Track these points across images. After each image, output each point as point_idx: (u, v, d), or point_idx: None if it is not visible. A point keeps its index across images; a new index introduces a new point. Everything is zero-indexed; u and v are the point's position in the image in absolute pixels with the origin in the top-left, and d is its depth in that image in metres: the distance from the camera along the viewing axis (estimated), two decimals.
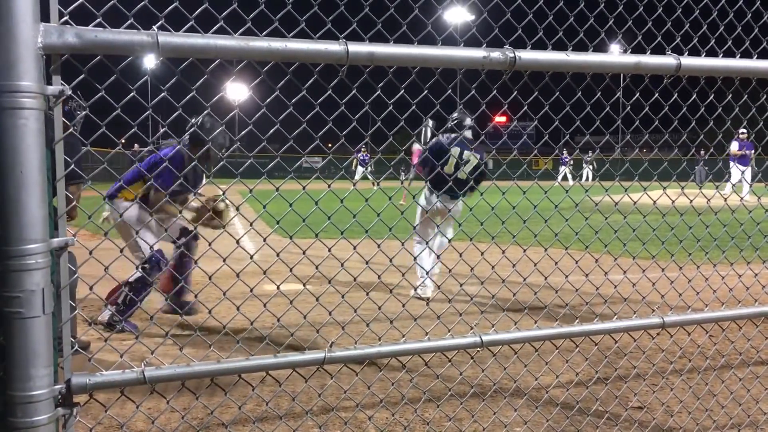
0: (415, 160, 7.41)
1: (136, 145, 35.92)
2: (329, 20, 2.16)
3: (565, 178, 38.19)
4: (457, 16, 54.06)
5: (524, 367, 3.21)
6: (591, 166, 43.07)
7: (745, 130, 19.69)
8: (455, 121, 7.28)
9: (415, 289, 6.61)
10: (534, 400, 3.80)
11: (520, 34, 2.52)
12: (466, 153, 7.14)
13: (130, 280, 5.47)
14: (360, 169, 36.00)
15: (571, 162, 42.88)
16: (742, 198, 3.05)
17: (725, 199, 3.04)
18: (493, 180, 2.66)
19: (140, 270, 5.47)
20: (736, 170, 19.51)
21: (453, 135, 7.23)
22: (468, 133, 7.33)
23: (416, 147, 7.64)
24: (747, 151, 20.08)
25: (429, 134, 7.47)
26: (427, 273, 6.49)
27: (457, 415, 3.55)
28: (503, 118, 56.76)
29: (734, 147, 20.54)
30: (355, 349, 2.23)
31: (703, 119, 3.07)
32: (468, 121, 7.38)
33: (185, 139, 5.70)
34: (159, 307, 5.87)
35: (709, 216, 3.13)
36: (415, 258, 6.37)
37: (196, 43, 1.85)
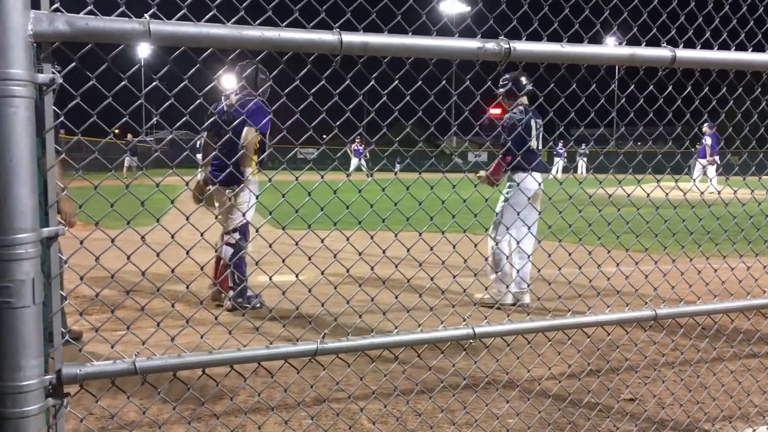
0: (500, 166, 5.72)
1: (129, 135, 35.81)
2: (323, 9, 2.14)
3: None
4: (452, 6, 54.01)
5: (517, 359, 3.22)
6: (584, 159, 42.98)
7: (709, 123, 19.82)
8: (510, 84, 5.89)
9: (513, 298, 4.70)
10: (526, 391, 3.81)
11: (516, 25, 2.51)
12: (538, 121, 5.87)
13: (228, 262, 5.65)
14: (354, 161, 35.85)
15: (566, 154, 42.83)
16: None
17: (719, 193, 3.04)
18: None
19: (229, 245, 5.70)
20: (698, 164, 19.87)
21: (524, 105, 5.93)
22: (524, 99, 6.03)
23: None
24: (707, 141, 20.23)
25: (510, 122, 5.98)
26: (518, 271, 4.65)
27: (450, 407, 3.55)
28: (498, 110, 56.59)
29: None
30: (348, 341, 2.22)
31: (697, 112, 3.06)
32: (525, 81, 6.01)
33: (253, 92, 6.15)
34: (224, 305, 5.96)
35: (702, 209, 3.13)
36: (488, 258, 4.84)
37: (188, 32, 1.83)
